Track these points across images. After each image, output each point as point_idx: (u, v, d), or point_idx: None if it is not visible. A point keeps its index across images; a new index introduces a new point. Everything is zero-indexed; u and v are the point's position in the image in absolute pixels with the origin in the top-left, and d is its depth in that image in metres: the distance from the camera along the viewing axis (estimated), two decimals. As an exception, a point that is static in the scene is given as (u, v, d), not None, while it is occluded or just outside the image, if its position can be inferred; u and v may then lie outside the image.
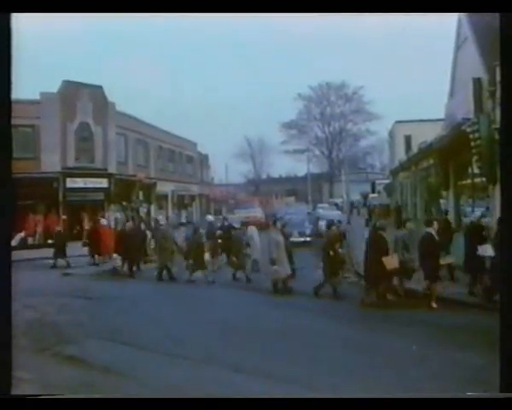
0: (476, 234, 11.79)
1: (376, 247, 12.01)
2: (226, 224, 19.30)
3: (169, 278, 15.85)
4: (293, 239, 22.59)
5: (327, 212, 30.76)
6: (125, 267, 16.74)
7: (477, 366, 7.25)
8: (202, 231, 16.97)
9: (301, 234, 23.08)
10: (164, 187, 32.83)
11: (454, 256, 12.64)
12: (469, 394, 5.93)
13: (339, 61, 50.17)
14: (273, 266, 13.52)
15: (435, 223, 11.91)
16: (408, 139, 28.46)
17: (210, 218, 20.31)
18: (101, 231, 19.18)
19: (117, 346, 8.74)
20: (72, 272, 17.20)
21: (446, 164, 16.39)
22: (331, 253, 13.08)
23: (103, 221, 20.24)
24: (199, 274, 15.43)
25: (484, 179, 13.18)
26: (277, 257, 13.47)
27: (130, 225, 18.28)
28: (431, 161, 18.36)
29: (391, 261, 11.77)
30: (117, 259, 16.75)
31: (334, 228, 13.93)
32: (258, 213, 30.98)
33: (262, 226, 28.53)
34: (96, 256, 18.76)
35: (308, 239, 22.85)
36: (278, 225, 14.36)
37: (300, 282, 13.88)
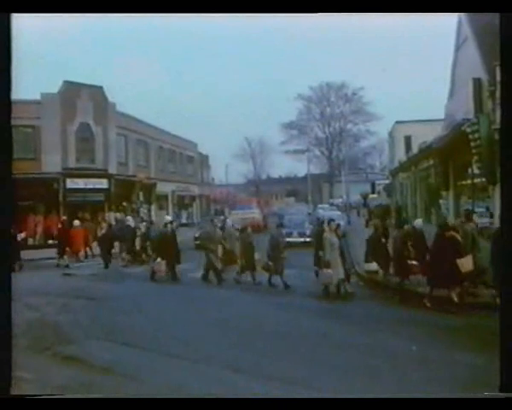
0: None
1: (448, 248, 11.13)
2: (225, 225, 19.37)
3: (217, 280, 14.98)
4: (293, 239, 22.72)
5: (327, 212, 30.75)
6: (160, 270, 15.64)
7: (477, 366, 7.25)
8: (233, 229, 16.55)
9: (301, 234, 23.06)
10: (164, 187, 32.85)
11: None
12: (469, 394, 5.93)
13: (339, 62, 50.33)
14: (327, 268, 12.72)
15: None
16: (408, 139, 28.48)
17: (168, 218, 19.58)
18: (71, 232, 19.31)
19: (117, 346, 8.74)
20: (73, 272, 17.21)
21: (446, 164, 16.39)
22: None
23: (76, 222, 19.94)
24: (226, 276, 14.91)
25: (484, 180, 13.18)
26: (331, 259, 12.74)
27: (172, 227, 16.76)
28: (431, 162, 18.36)
29: (466, 264, 11.04)
30: (160, 263, 15.58)
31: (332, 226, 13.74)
32: (255, 213, 30.92)
33: (260, 228, 28.63)
34: (66, 257, 18.70)
35: (308, 239, 22.84)
36: (333, 225, 13.41)
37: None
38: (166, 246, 15.71)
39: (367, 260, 14.78)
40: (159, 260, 15.59)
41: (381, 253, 14.34)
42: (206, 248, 15.37)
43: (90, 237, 20.48)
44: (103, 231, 19.71)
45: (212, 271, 15.15)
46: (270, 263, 14.23)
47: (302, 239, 22.76)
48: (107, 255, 18.52)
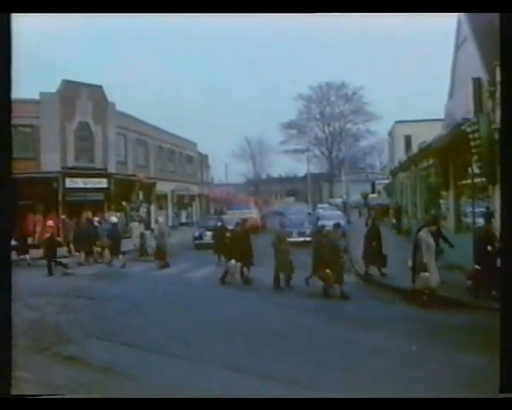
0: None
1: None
2: (219, 224, 19.49)
3: (286, 285, 14.10)
4: (292, 239, 22.72)
5: (327, 212, 30.75)
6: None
7: (477, 366, 7.24)
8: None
9: (301, 234, 23.08)
10: (164, 187, 32.82)
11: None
12: (469, 394, 5.93)
13: (339, 61, 50.19)
14: (424, 272, 11.57)
15: None
16: (408, 139, 28.50)
17: (114, 219, 19.48)
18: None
19: (117, 346, 8.74)
20: (73, 272, 17.20)
21: (446, 164, 16.38)
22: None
23: (49, 223, 19.81)
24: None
25: (484, 179, 13.17)
26: (428, 262, 11.55)
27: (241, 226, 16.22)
28: (431, 161, 18.36)
29: None
30: (235, 265, 14.93)
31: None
32: (253, 213, 30.81)
33: (258, 229, 28.60)
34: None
35: (308, 239, 22.83)
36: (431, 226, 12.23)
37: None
38: (239, 246, 14.98)
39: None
40: (233, 261, 14.86)
41: (373, 252, 14.48)
42: (276, 249, 14.47)
43: (68, 234, 20.43)
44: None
45: (283, 273, 14.21)
46: (328, 271, 12.83)
47: (302, 239, 22.78)
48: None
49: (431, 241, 11.78)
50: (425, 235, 11.82)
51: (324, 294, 12.83)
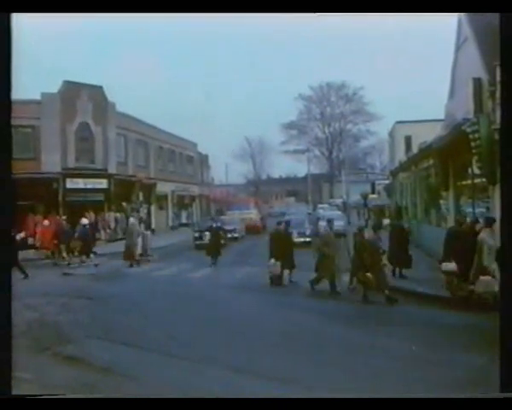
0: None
1: None
2: (215, 225, 19.56)
3: (330, 288, 13.07)
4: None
5: (327, 212, 30.76)
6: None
7: (477, 366, 7.24)
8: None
9: (301, 234, 23.04)
10: (164, 187, 32.85)
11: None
12: (469, 394, 5.92)
13: (339, 62, 50.27)
14: (485, 275, 10.68)
15: None
16: (408, 139, 28.52)
17: (85, 221, 19.72)
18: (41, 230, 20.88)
19: (117, 346, 8.74)
20: (72, 272, 17.21)
21: (446, 164, 16.38)
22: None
23: (45, 222, 21.22)
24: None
25: (484, 180, 13.17)
26: (490, 265, 10.60)
27: (281, 228, 15.47)
28: (431, 162, 18.36)
29: None
30: (275, 264, 14.44)
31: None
32: (252, 214, 30.79)
33: (258, 229, 28.58)
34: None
35: (308, 240, 22.82)
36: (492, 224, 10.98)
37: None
38: (281, 246, 14.49)
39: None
40: (272, 260, 14.43)
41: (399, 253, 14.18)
42: (321, 253, 13.58)
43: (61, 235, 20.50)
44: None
45: (328, 279, 13.19)
46: (369, 275, 11.89)
47: (302, 239, 22.77)
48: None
49: (492, 242, 10.67)
50: (486, 236, 10.84)
51: (364, 299, 11.90)
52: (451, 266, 11.49)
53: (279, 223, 15.71)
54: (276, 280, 14.31)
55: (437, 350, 8.14)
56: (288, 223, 16.52)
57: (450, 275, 11.53)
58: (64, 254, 19.26)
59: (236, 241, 24.93)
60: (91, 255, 18.75)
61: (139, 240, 19.09)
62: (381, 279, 11.91)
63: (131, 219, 19.78)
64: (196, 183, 39.33)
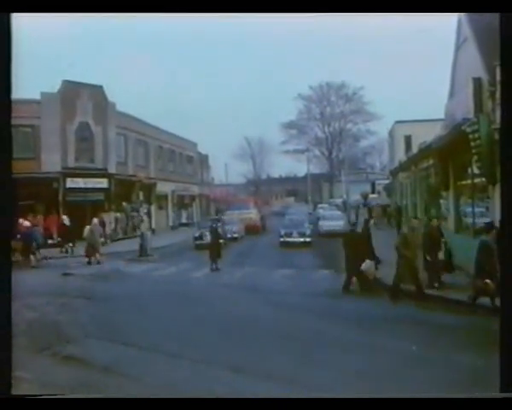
0: None
1: None
2: (215, 225, 19.56)
3: (417, 293, 12.02)
4: (292, 239, 22.72)
5: (327, 212, 30.77)
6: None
7: (477, 366, 7.24)
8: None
9: (301, 234, 23.04)
10: (164, 187, 32.83)
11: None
12: (469, 394, 5.92)
13: (339, 61, 50.23)
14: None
15: None
16: (408, 139, 28.49)
17: (26, 223, 20.05)
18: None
19: (117, 346, 8.74)
20: (72, 272, 17.22)
21: (446, 164, 16.38)
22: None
23: (26, 223, 20.86)
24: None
25: (484, 180, 13.17)
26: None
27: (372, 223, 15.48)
28: (431, 161, 18.36)
29: None
30: (370, 263, 13.54)
31: None
32: (252, 214, 30.73)
33: (257, 230, 28.55)
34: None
35: (308, 240, 22.83)
36: None
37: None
38: (359, 247, 13.69)
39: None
40: (368, 261, 13.47)
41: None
42: (400, 254, 12.49)
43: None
44: None
45: (412, 283, 12.19)
46: (489, 281, 10.39)
47: (302, 239, 22.77)
48: None
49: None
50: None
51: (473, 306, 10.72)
52: None
53: (366, 221, 14.90)
54: (367, 283, 13.26)
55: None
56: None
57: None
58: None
59: (236, 241, 24.91)
60: (31, 256, 18.85)
61: (101, 239, 20.83)
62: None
63: (95, 220, 20.73)
64: (196, 183, 39.31)
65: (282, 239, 23.02)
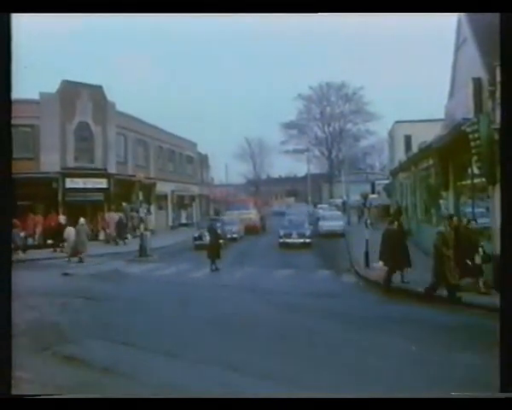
0: None
1: None
2: (213, 226, 19.55)
3: (449, 297, 11.48)
4: (292, 240, 22.66)
5: (327, 212, 30.77)
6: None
7: (477, 366, 7.24)
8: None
9: (300, 235, 22.93)
10: (164, 187, 32.81)
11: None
12: (469, 394, 5.92)
13: (339, 61, 50.25)
14: None
15: None
16: (408, 139, 28.48)
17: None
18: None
19: (117, 346, 8.73)
20: (73, 272, 17.21)
21: (446, 164, 16.38)
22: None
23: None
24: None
25: (484, 180, 13.17)
26: None
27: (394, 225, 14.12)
28: (431, 161, 18.36)
29: None
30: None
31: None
32: (252, 214, 30.68)
33: (257, 230, 28.54)
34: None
35: (307, 241, 22.74)
36: None
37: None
38: (394, 246, 13.22)
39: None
40: (381, 263, 13.32)
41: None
42: (439, 254, 11.82)
43: None
44: None
45: (445, 286, 11.66)
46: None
47: (302, 240, 22.66)
48: None
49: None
50: None
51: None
52: None
53: (395, 221, 14.28)
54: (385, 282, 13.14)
55: None
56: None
57: None
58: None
59: (235, 241, 24.89)
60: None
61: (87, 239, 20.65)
62: None
63: (81, 220, 20.75)
64: (196, 183, 39.30)
65: (281, 240, 22.93)
